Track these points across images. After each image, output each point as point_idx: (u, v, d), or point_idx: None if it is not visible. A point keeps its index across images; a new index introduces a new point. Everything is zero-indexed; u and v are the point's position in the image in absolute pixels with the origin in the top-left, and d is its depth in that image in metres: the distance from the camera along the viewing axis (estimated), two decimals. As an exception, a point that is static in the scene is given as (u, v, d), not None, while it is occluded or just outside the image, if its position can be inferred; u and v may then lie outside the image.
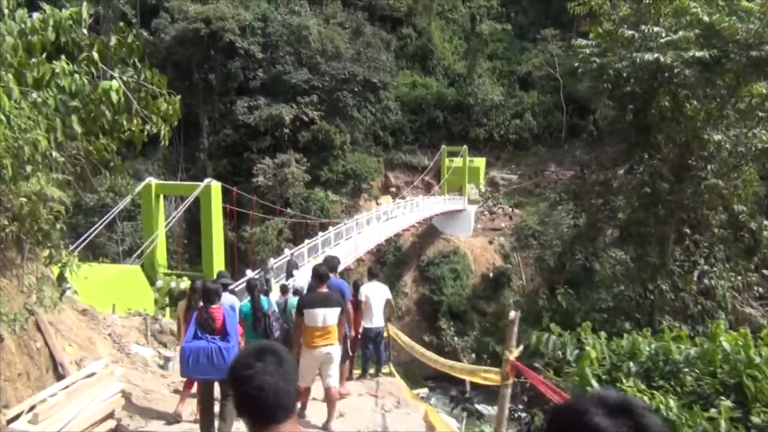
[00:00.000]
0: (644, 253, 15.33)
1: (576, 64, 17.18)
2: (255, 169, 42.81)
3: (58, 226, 5.03)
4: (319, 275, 7.53)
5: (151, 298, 13.71)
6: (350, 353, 8.85)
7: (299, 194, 42.99)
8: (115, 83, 5.19)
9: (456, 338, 33.93)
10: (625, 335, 6.84)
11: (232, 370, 2.03)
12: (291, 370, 2.06)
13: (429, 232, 45.46)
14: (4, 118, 3.62)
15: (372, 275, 9.74)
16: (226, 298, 8.30)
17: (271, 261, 21.65)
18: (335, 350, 7.25)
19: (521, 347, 6.02)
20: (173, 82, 39.07)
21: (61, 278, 5.08)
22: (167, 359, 7.12)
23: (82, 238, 14.63)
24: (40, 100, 4.35)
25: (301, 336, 7.18)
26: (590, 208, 18.44)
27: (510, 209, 47.99)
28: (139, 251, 16.69)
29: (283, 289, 12.13)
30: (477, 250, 44.79)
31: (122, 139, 6.96)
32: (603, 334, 6.77)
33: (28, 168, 4.49)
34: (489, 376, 6.35)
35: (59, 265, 4.90)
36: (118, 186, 38.56)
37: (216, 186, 17.25)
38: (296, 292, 11.19)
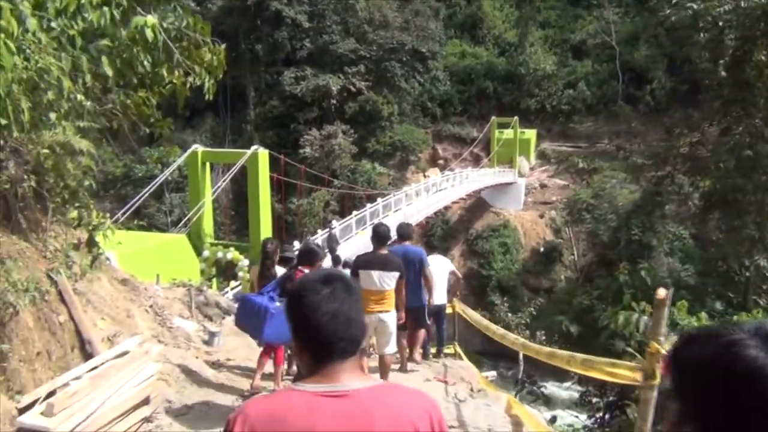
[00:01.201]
0: (742, 225, 13.58)
1: (668, 11, 15.49)
2: (302, 141, 42.39)
3: (86, 182, 4.42)
4: (379, 236, 6.92)
5: (197, 268, 13.30)
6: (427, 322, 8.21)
7: (346, 166, 42.43)
8: (150, 18, 4.51)
9: (510, 314, 32.98)
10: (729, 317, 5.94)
11: (294, 295, 1.79)
12: (360, 300, 1.86)
13: (477, 205, 44.41)
14: (14, 48, 3.00)
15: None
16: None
17: (335, 224, 20.76)
18: (390, 317, 6.69)
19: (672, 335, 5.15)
20: (220, 52, 38.82)
21: (92, 243, 4.51)
22: (212, 334, 6.55)
23: (128, 206, 14.31)
24: (61, 31, 3.71)
25: None
26: (672, 175, 16.74)
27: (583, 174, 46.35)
28: (185, 219, 16.33)
29: (337, 260, 11.57)
30: (527, 224, 43.59)
31: (163, 93, 6.33)
32: (704, 315, 5.89)
33: (52, 115, 3.88)
34: (622, 373, 5.54)
35: (89, 228, 4.31)
36: (166, 157, 38.75)
37: (263, 153, 16.68)
38: (345, 264, 10.61)
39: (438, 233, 42.27)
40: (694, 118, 16.54)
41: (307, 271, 6.04)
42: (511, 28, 53.72)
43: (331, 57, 45.08)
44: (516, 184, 44.83)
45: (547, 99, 49.15)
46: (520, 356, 11.61)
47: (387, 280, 6.55)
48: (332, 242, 21.06)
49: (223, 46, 6.40)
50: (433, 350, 8.66)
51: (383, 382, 2.30)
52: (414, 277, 7.54)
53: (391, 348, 6.84)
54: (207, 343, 6.48)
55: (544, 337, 28.51)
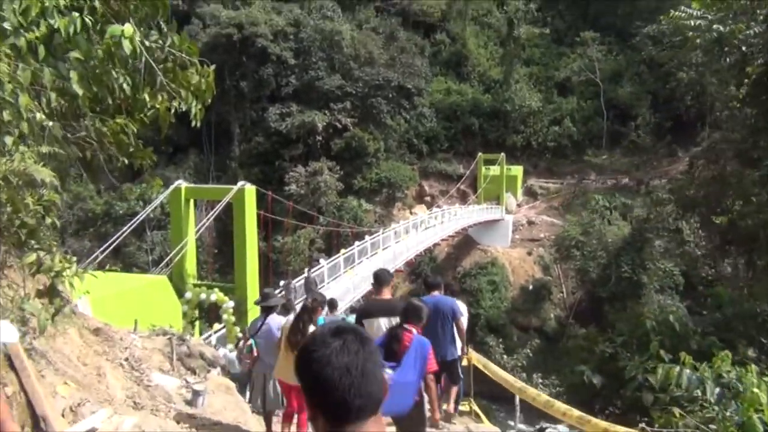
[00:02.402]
0: None
1: (689, 33, 14.92)
2: (287, 178, 41.85)
3: (48, 220, 3.71)
4: (379, 279, 6.23)
5: (179, 312, 12.47)
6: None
7: (332, 203, 41.86)
8: (129, 28, 3.87)
9: (506, 356, 32.16)
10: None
11: (303, 353, 1.63)
12: (377, 353, 1.66)
13: (465, 242, 43.89)
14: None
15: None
16: (273, 320, 7.02)
17: (292, 281, 19.97)
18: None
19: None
20: (204, 88, 38.35)
21: (53, 292, 3.78)
22: (196, 393, 5.75)
23: (107, 244, 13.51)
24: (18, 35, 3.06)
25: None
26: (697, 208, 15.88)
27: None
28: (166, 259, 15.54)
29: (332, 305, 10.85)
30: (515, 261, 43.07)
31: (144, 120, 5.66)
32: (754, 368, 5.23)
33: (8, 140, 3.21)
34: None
35: (51, 275, 3.59)
36: (148, 193, 37.92)
37: (250, 189, 16.00)
38: (332, 304, 9.91)
39: (426, 271, 41.50)
40: (716, 147, 15.74)
41: (413, 330, 5.34)
42: (496, 65, 54.03)
43: (316, 93, 44.84)
44: (503, 220, 44.45)
45: (533, 135, 49.18)
46: (517, 399, 10.73)
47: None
48: (309, 285, 20.14)
49: (213, 67, 5.76)
50: (445, 406, 7.85)
51: None
52: (447, 328, 6.94)
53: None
54: (190, 403, 5.69)
55: (540, 380, 27.71)
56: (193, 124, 5.67)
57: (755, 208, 12.43)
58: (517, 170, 47.87)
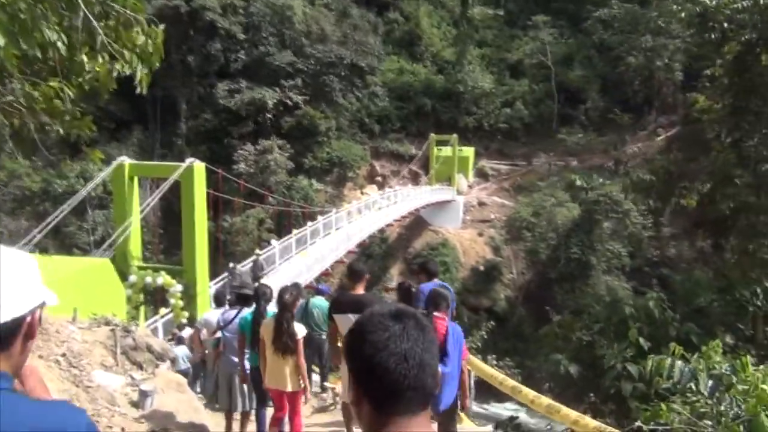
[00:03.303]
0: (757, 247, 12.35)
1: (674, 7, 14.40)
2: (236, 156, 40.76)
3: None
4: (354, 271, 5.83)
5: (123, 297, 11.69)
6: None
7: (282, 182, 40.97)
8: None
9: (460, 338, 32.18)
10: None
11: (356, 334, 1.48)
12: (435, 343, 1.51)
13: (416, 223, 43.69)
14: None
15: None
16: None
17: (237, 265, 19.25)
18: None
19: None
20: (149, 61, 36.67)
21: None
22: (144, 394, 5.14)
23: (42, 225, 12.57)
24: None
25: (338, 344, 5.62)
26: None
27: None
28: (109, 241, 14.59)
29: (261, 292, 10.36)
30: (466, 242, 43.15)
31: (82, 85, 4.99)
32: (748, 359, 4.97)
33: None
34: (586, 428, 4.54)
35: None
36: (90, 171, 36.27)
37: (200, 166, 15.14)
38: (319, 291, 9.40)
39: (376, 252, 41.24)
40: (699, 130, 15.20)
41: (440, 315, 5.00)
42: (449, 46, 53.69)
43: (267, 70, 43.64)
44: (455, 202, 44.40)
45: (485, 117, 49.16)
46: (472, 381, 10.37)
47: None
48: (257, 270, 19.48)
49: (162, 27, 5.11)
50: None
51: None
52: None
53: None
54: (137, 405, 5.09)
55: (495, 361, 27.79)
56: (138, 90, 5.03)
57: (735, 190, 12.18)
58: (469, 151, 47.82)
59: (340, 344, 5.53)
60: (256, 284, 7.91)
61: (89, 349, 5.70)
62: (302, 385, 5.87)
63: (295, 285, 6.88)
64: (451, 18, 55.68)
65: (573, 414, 5.14)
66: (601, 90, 48.44)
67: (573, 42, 51.55)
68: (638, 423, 4.93)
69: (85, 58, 4.75)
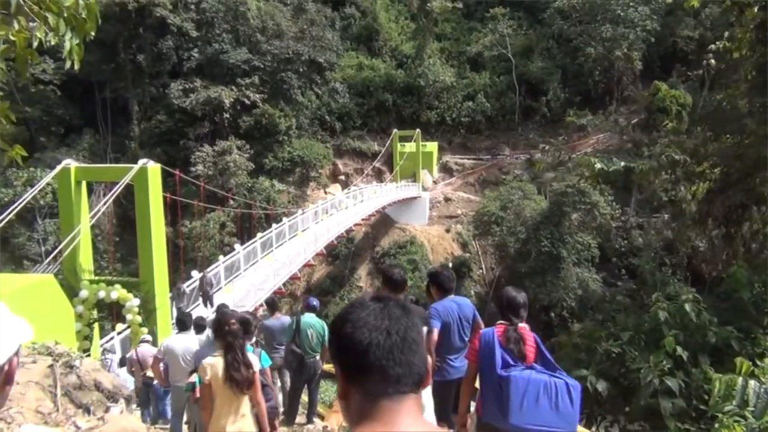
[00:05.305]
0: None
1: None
2: (193, 158, 39.25)
3: None
4: (393, 280, 4.90)
5: (71, 316, 10.42)
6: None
7: (243, 184, 39.64)
8: None
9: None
10: None
11: (338, 317, 1.48)
12: (420, 324, 1.53)
13: (382, 221, 42.79)
14: None
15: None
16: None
17: (183, 285, 17.87)
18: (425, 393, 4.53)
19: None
20: (97, 64, 34.60)
21: None
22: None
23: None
24: None
25: None
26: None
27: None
28: (54, 252, 13.19)
29: (272, 304, 9.24)
30: (434, 239, 42.43)
31: (-7, 61, 3.91)
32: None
33: None
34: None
35: None
36: (39, 178, 34.34)
37: (154, 168, 13.87)
38: (310, 307, 8.20)
39: (343, 253, 40.22)
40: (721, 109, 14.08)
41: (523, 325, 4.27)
42: (408, 40, 52.84)
43: (222, 68, 42.14)
44: (420, 198, 43.65)
45: (447, 111, 48.49)
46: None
47: None
48: (205, 287, 18.15)
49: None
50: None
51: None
52: (465, 340, 5.33)
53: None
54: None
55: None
56: (68, 65, 3.94)
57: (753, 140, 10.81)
58: (432, 146, 47.13)
59: None
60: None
61: (21, 392, 4.59)
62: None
63: (245, 313, 5.82)
64: (409, 12, 54.83)
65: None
66: (562, 81, 48.18)
67: (532, 33, 51.22)
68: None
69: (-6, 23, 3.66)
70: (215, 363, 4.71)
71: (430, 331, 4.91)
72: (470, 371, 4.47)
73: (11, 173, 36.84)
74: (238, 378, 4.61)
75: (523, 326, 4.25)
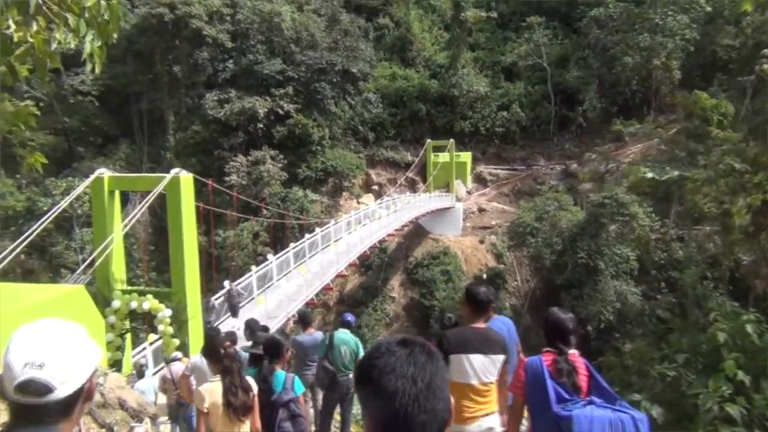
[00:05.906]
0: None
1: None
2: (227, 168, 39.50)
3: None
4: (478, 301, 4.43)
5: (102, 327, 10.35)
6: None
7: (276, 194, 39.70)
8: None
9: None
10: None
11: (364, 361, 1.52)
12: (445, 370, 1.56)
13: (415, 231, 42.48)
14: None
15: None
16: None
17: (212, 299, 17.79)
18: (496, 422, 4.24)
19: None
20: (134, 75, 35.06)
21: None
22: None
23: (17, 242, 11.26)
24: None
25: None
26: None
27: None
28: (87, 261, 13.20)
29: (305, 319, 8.96)
30: (468, 250, 41.93)
31: (11, 66, 3.73)
32: None
33: None
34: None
35: None
36: (76, 188, 34.86)
37: (187, 177, 13.81)
38: (345, 323, 7.99)
39: (375, 263, 39.97)
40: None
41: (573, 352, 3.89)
42: (442, 50, 52.59)
43: (256, 78, 42.42)
44: (454, 208, 43.24)
45: (481, 121, 48.03)
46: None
47: (491, 368, 4.17)
48: (233, 301, 18.02)
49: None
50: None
51: None
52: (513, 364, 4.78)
53: None
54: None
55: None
56: (89, 68, 3.75)
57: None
58: (466, 156, 46.72)
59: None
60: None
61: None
62: None
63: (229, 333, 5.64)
64: (443, 22, 54.64)
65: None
66: (598, 91, 47.37)
67: (568, 43, 50.53)
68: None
69: (12, 25, 3.48)
70: (214, 388, 4.49)
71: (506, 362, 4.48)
72: (517, 406, 4.03)
73: (50, 183, 37.54)
74: (235, 403, 4.39)
75: (573, 352, 3.83)
